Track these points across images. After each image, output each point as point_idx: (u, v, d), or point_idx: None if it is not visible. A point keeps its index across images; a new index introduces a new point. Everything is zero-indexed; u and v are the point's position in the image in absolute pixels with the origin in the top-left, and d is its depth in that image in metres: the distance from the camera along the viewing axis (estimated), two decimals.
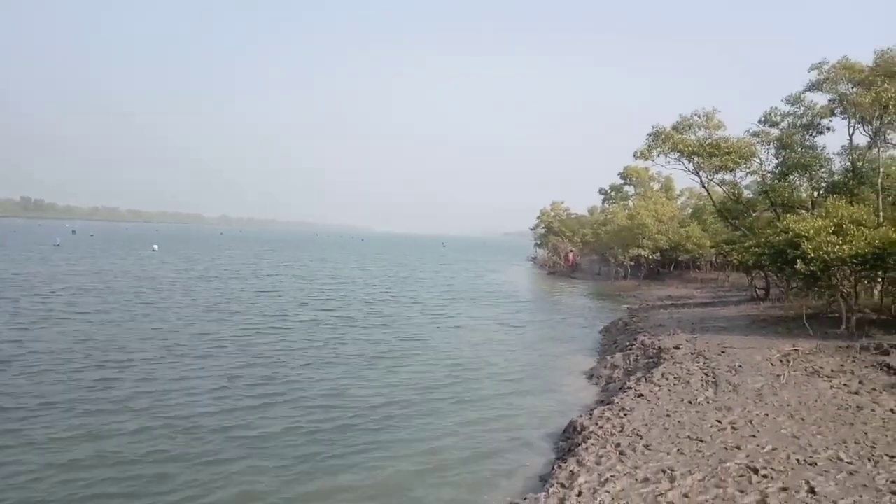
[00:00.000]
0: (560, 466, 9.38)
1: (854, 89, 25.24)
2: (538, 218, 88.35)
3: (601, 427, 10.96)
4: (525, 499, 8.36)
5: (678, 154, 30.39)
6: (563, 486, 8.44)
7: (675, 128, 30.74)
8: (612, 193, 73.35)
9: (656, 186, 68.63)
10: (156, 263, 55.80)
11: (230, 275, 47.68)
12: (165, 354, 18.14)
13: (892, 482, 7.70)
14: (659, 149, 30.49)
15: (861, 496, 7.31)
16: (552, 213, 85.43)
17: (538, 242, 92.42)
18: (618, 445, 9.75)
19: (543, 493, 8.25)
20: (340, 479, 9.97)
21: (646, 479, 8.24)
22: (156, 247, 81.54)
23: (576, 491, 8.09)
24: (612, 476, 8.44)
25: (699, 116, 30.72)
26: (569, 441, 11.22)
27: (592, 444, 10.03)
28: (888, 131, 26.10)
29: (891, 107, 22.43)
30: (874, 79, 24.02)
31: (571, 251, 76.32)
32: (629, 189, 71.58)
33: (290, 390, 15.04)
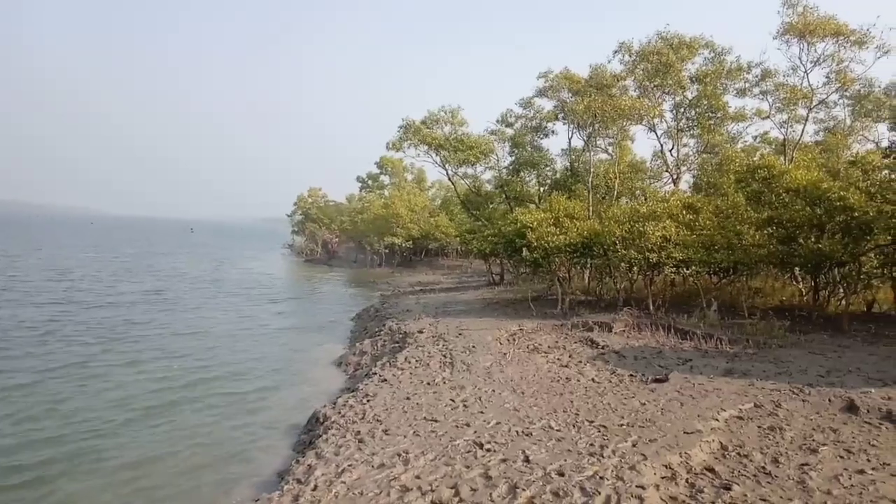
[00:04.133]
0: (298, 461, 9.11)
1: (572, 98, 28.82)
2: (295, 204, 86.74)
3: (343, 416, 10.92)
4: (257, 500, 7.93)
5: (427, 147, 31.92)
6: (299, 481, 8.17)
7: (423, 122, 32.21)
8: (369, 182, 74.89)
9: (410, 178, 71.67)
10: None
11: None
12: None
13: (591, 445, 8.78)
14: (409, 141, 31.71)
15: (566, 460, 8.21)
16: (310, 200, 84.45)
17: (295, 229, 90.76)
18: (358, 433, 9.77)
19: (277, 493, 7.89)
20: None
21: (382, 465, 8.34)
22: None
23: (311, 485, 7.88)
24: (349, 465, 8.40)
25: (446, 112, 32.59)
26: (310, 433, 11.00)
27: (333, 435, 9.92)
28: (598, 137, 30.36)
29: (598, 115, 26.00)
30: (587, 90, 27.67)
31: (336, 238, 76.74)
32: (385, 179, 73.74)
33: None
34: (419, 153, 32.87)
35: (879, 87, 28.84)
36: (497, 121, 33.03)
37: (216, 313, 27.12)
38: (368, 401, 11.65)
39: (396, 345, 17.91)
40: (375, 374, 14.07)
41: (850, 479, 7.40)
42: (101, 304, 27.65)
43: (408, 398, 11.65)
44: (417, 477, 7.88)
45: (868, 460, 8.00)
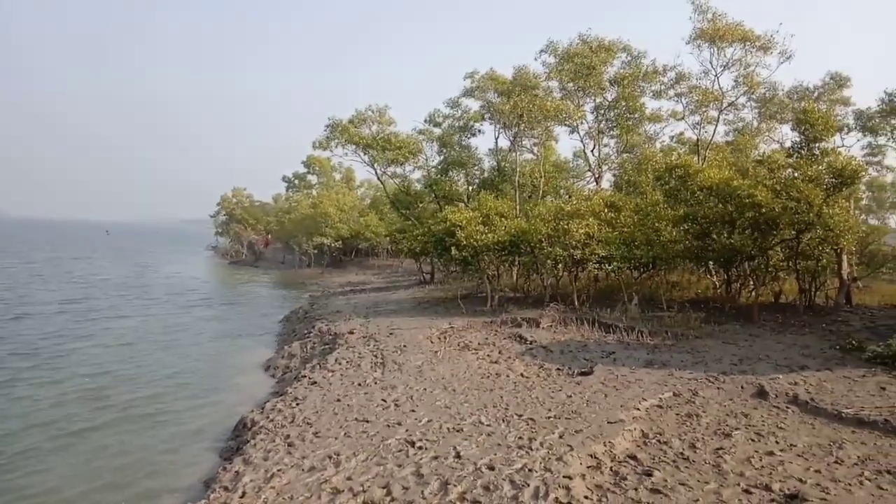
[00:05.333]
0: (225, 469, 8.85)
1: (498, 98, 29.27)
2: (219, 205, 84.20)
3: (272, 420, 10.70)
4: None
5: (355, 146, 31.66)
6: (226, 489, 7.97)
7: (351, 121, 31.93)
8: (296, 182, 73.64)
9: (338, 177, 70.90)
10: None
11: None
12: None
13: (520, 438, 8.97)
14: (337, 140, 31.38)
15: (496, 454, 8.36)
16: (234, 200, 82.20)
17: (219, 231, 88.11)
18: (287, 437, 9.61)
19: (203, 502, 7.68)
20: None
21: (312, 468, 8.24)
22: None
23: (239, 492, 7.70)
24: (279, 470, 8.25)
25: (373, 112, 32.43)
26: (238, 440, 10.72)
27: (262, 440, 9.71)
28: (523, 137, 30.96)
29: (525, 115, 26.53)
30: (513, 90, 28.17)
31: (269, 235, 75.49)
32: (313, 178, 72.67)
33: None
34: (347, 152, 32.60)
35: (782, 90, 30.76)
36: (425, 120, 33.23)
37: (138, 321, 25.72)
38: (298, 404, 11.47)
39: (326, 346, 17.69)
40: (305, 376, 13.85)
41: (760, 460, 7.89)
42: (17, 315, 25.81)
43: (338, 400, 11.54)
44: (349, 478, 7.84)
45: (777, 442, 8.55)
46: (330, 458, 8.55)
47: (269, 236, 76.22)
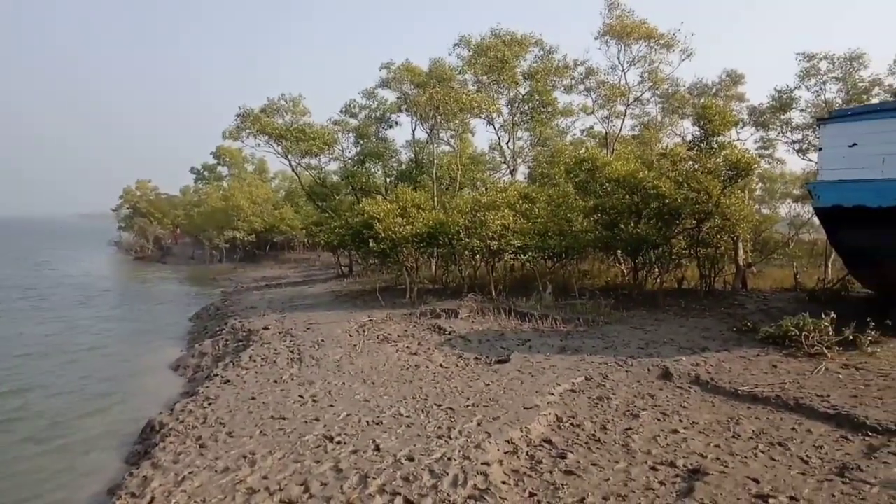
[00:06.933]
0: (132, 474, 8.42)
1: (415, 90, 29.20)
2: (121, 198, 79.84)
3: (182, 422, 10.26)
4: None
5: (267, 136, 30.72)
6: (133, 495, 7.58)
7: (263, 110, 30.97)
8: (206, 173, 70.86)
9: (250, 168, 68.76)
10: None
11: None
12: None
13: (439, 428, 9.04)
14: (248, 130, 30.37)
15: (415, 445, 8.39)
16: (138, 193, 78.14)
17: (122, 225, 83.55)
18: (199, 438, 9.25)
19: None
20: None
21: (226, 469, 7.98)
22: None
23: (147, 498, 7.37)
24: (190, 473, 7.94)
25: (286, 101, 31.58)
26: (145, 443, 10.22)
27: (171, 442, 9.30)
28: (440, 129, 31.07)
29: (441, 108, 26.61)
30: (429, 82, 28.20)
31: (177, 230, 72.34)
32: (223, 170, 70.11)
33: None
34: (259, 143, 31.54)
35: (684, 86, 32.36)
36: (341, 111, 32.67)
37: (35, 325, 23.79)
38: (210, 404, 11.07)
39: (240, 343, 17.17)
40: (217, 375, 13.38)
41: (666, 438, 8.31)
42: None
43: (253, 398, 11.23)
44: (265, 477, 7.66)
45: (680, 420, 9.03)
46: (245, 457, 8.32)
47: (178, 230, 73.14)
